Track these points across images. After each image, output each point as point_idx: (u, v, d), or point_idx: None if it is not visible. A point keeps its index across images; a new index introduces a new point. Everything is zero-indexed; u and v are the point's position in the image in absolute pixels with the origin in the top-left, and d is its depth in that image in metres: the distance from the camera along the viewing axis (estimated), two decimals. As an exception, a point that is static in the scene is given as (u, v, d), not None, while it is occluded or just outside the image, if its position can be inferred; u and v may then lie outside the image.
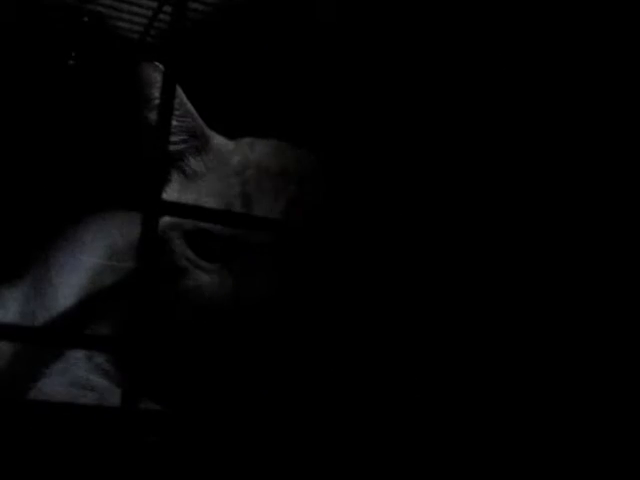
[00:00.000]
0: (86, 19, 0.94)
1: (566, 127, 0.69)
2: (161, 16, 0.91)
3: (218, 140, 0.71)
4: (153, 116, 0.67)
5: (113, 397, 0.61)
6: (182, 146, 0.70)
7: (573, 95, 0.67)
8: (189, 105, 0.68)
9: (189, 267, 0.65)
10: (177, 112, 0.67)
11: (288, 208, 0.66)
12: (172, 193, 0.69)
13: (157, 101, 0.66)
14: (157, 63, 0.67)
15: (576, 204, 0.67)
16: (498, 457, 0.61)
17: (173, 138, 0.69)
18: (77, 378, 0.68)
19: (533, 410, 0.63)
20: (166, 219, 0.65)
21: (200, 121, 0.69)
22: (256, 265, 0.63)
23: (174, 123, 0.68)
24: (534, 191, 0.68)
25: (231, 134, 0.73)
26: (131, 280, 0.53)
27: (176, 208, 0.52)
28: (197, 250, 0.65)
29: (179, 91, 0.67)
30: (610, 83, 0.65)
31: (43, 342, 0.49)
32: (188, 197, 0.68)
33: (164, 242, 0.66)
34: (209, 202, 0.66)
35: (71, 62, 0.97)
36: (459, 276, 0.74)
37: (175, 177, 0.70)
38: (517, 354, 0.67)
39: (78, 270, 0.83)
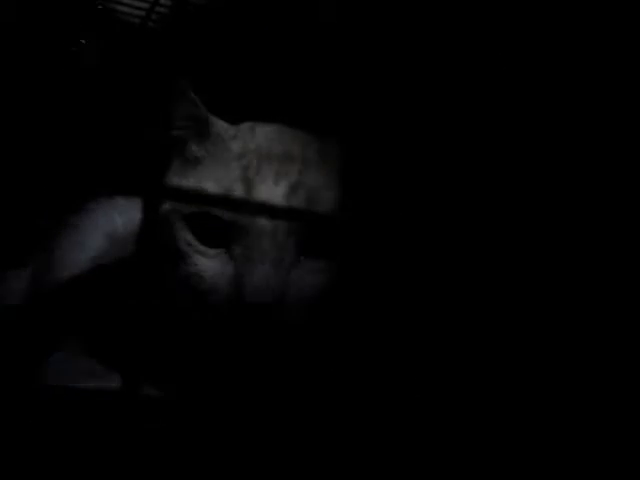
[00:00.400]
0: (100, 6, 0.94)
1: (566, 127, 0.69)
2: (163, 1, 0.91)
3: (219, 125, 0.70)
4: (154, 101, 0.67)
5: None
6: (183, 131, 0.70)
7: (573, 95, 0.67)
8: (190, 90, 0.68)
9: (190, 252, 0.65)
10: (178, 98, 0.67)
11: (290, 193, 0.66)
12: (173, 178, 0.69)
13: (158, 86, 0.67)
14: (159, 49, 0.67)
15: (576, 204, 0.67)
16: (498, 457, 0.62)
17: (174, 123, 0.69)
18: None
19: (533, 410, 0.64)
20: (167, 204, 0.66)
21: (201, 106, 0.69)
22: (257, 250, 0.63)
23: (176, 109, 0.68)
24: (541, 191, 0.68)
25: (232, 119, 0.73)
26: (132, 264, 0.53)
27: (177, 192, 0.53)
28: (198, 235, 0.66)
29: (180, 77, 0.67)
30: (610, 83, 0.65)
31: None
32: (189, 182, 0.68)
33: (165, 227, 0.66)
34: (210, 187, 0.66)
35: (74, 48, 0.97)
36: (464, 274, 0.74)
37: (176, 162, 0.70)
38: (517, 354, 0.67)
39: (79, 256, 0.83)
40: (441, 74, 0.74)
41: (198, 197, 0.49)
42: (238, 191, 0.65)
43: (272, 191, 0.65)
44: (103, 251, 0.82)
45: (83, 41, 0.96)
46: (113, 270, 0.77)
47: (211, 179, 0.67)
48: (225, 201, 0.50)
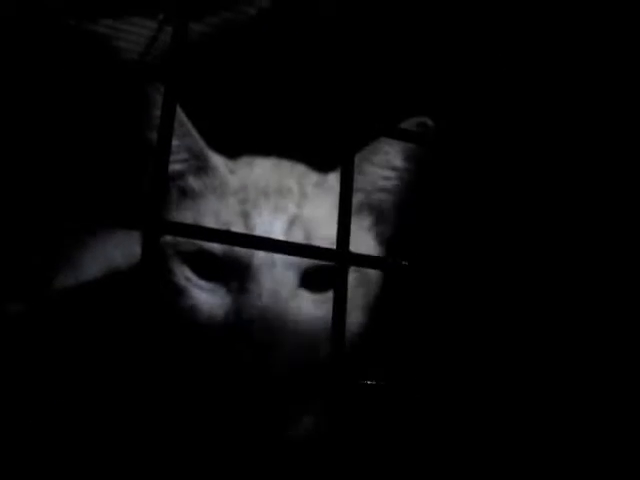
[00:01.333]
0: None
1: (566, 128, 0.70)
2: (162, 36, 0.91)
3: (217, 159, 0.71)
4: (153, 136, 0.67)
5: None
6: (182, 165, 0.70)
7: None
8: (189, 125, 0.69)
9: (187, 285, 0.65)
10: (177, 132, 0.67)
11: (288, 227, 0.66)
12: (171, 212, 0.70)
13: (157, 121, 0.67)
14: (157, 83, 0.67)
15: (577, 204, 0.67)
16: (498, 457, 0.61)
17: (173, 157, 0.68)
18: None
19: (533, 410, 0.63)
20: (165, 238, 0.66)
21: (200, 140, 0.70)
22: (255, 284, 0.63)
23: (174, 142, 0.67)
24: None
25: (231, 153, 0.73)
26: (131, 299, 0.53)
27: (176, 227, 0.52)
28: (196, 270, 0.66)
29: (179, 111, 0.67)
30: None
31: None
32: (187, 216, 0.68)
33: (163, 261, 0.66)
34: (208, 221, 0.66)
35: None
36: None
37: (174, 196, 0.70)
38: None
39: (78, 291, 0.83)
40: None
41: (197, 232, 0.48)
42: (236, 225, 0.65)
43: (270, 225, 0.66)
44: (101, 286, 0.82)
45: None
46: (112, 304, 0.76)
47: (209, 213, 0.67)
48: (223, 235, 0.50)
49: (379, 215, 0.74)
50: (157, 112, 0.67)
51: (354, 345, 0.68)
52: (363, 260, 0.56)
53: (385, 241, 0.76)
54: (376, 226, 0.75)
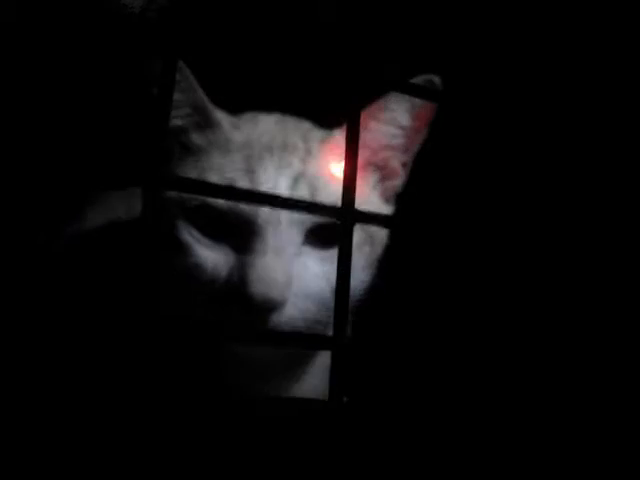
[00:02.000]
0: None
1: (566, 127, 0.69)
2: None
3: (221, 115, 0.70)
4: (155, 90, 0.66)
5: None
6: (184, 121, 0.69)
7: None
8: (192, 79, 0.67)
9: (191, 243, 0.65)
10: (179, 86, 0.66)
11: (293, 184, 0.65)
12: (174, 168, 0.69)
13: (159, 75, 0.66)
14: (159, 38, 0.66)
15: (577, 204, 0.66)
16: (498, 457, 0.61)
17: (175, 112, 0.68)
18: None
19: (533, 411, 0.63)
20: (169, 195, 0.65)
21: (203, 95, 0.68)
22: (260, 241, 0.63)
23: (176, 97, 0.67)
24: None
25: (234, 109, 0.72)
26: (133, 255, 0.53)
27: (178, 182, 0.52)
28: (200, 227, 0.65)
29: (182, 65, 0.66)
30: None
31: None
32: (190, 173, 0.67)
33: (166, 217, 0.65)
34: (212, 178, 0.65)
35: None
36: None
37: (178, 152, 0.70)
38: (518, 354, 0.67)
39: (81, 248, 0.82)
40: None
41: (201, 188, 0.48)
42: (241, 182, 0.64)
43: (275, 182, 0.65)
44: (104, 243, 0.82)
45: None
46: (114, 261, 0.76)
47: (213, 169, 0.66)
48: (228, 192, 0.49)
49: (384, 173, 0.74)
50: (158, 66, 0.66)
51: (358, 303, 0.68)
52: (368, 218, 0.55)
53: (390, 199, 0.75)
54: (381, 184, 0.74)
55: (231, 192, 0.53)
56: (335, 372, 0.44)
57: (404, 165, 0.74)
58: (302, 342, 0.62)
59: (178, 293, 0.66)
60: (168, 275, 0.65)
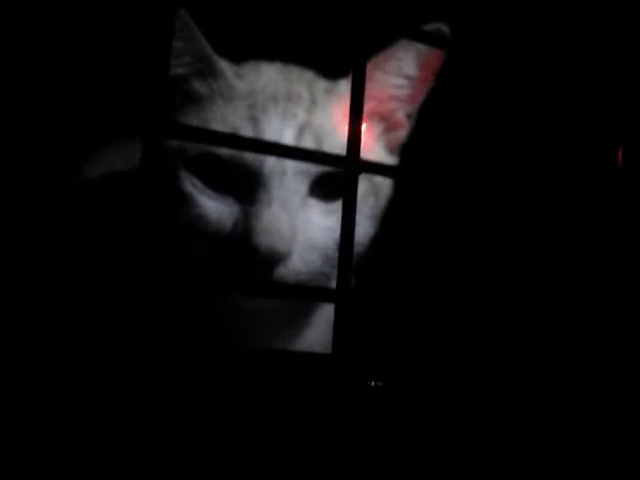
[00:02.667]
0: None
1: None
2: None
3: (223, 63, 0.68)
4: (156, 38, 0.65)
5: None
6: (186, 69, 0.67)
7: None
8: (194, 27, 0.66)
9: (195, 194, 0.64)
10: (181, 34, 0.65)
11: (298, 134, 0.64)
12: (176, 117, 0.68)
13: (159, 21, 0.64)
14: None
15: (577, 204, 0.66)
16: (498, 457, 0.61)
17: (177, 61, 0.66)
18: None
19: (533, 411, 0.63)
20: (170, 144, 0.64)
21: (205, 44, 0.67)
22: (265, 192, 0.62)
23: (178, 45, 0.65)
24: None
25: (236, 58, 0.71)
26: (131, 205, 0.52)
27: (181, 130, 0.51)
28: (203, 177, 0.64)
29: (183, 13, 0.64)
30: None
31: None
32: (193, 122, 0.66)
33: (168, 168, 0.65)
34: (215, 127, 0.64)
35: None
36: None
37: (179, 101, 0.68)
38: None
39: (80, 194, 0.81)
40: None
41: (204, 136, 0.47)
42: (245, 131, 0.63)
43: (280, 131, 0.64)
44: (102, 192, 0.81)
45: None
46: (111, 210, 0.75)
47: (217, 118, 0.65)
48: (233, 140, 0.48)
49: (389, 124, 0.73)
50: (159, 14, 0.65)
51: (361, 256, 0.68)
52: (373, 168, 0.54)
53: (395, 151, 0.74)
54: (386, 135, 0.73)
55: (236, 140, 0.52)
56: (338, 325, 0.44)
57: (409, 116, 0.73)
58: (306, 294, 0.61)
59: (181, 246, 0.65)
60: (170, 228, 0.64)
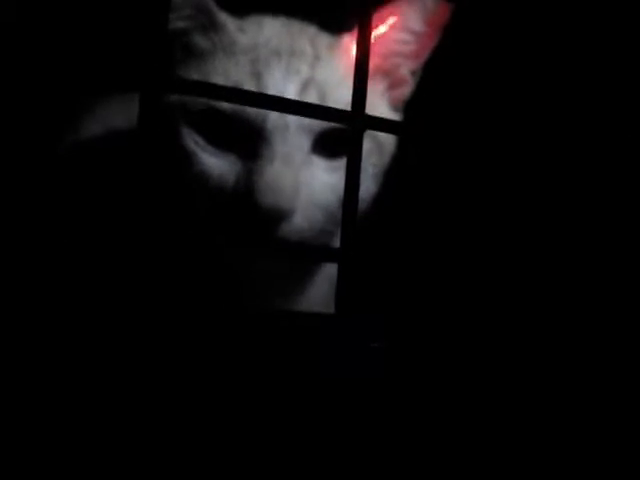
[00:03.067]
0: None
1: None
2: None
3: (225, 17, 0.67)
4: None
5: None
6: (187, 23, 0.66)
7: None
8: None
9: (197, 150, 0.63)
10: None
11: (301, 89, 0.63)
12: (177, 72, 0.66)
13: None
14: None
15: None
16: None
17: (177, 14, 0.65)
18: None
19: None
20: (171, 100, 0.63)
21: None
22: (267, 148, 0.61)
23: None
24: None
25: (237, 11, 0.69)
26: (130, 161, 0.51)
27: (182, 85, 0.50)
28: (205, 133, 0.63)
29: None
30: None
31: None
32: (194, 76, 0.65)
33: (169, 124, 0.64)
34: (218, 81, 0.63)
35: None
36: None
37: (180, 55, 0.67)
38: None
39: (78, 152, 0.81)
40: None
41: (206, 90, 0.46)
42: (248, 86, 0.62)
43: (283, 87, 0.63)
44: (100, 148, 0.80)
45: None
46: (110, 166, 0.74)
47: (218, 73, 0.64)
48: (235, 94, 0.47)
49: (394, 80, 0.71)
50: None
51: (365, 213, 0.67)
52: (378, 123, 0.53)
53: (399, 108, 0.73)
54: (390, 91, 0.72)
55: (238, 94, 0.51)
56: (341, 284, 0.44)
57: (414, 73, 0.72)
58: (309, 253, 0.61)
59: (183, 204, 0.64)
60: (172, 186, 0.64)
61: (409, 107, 0.73)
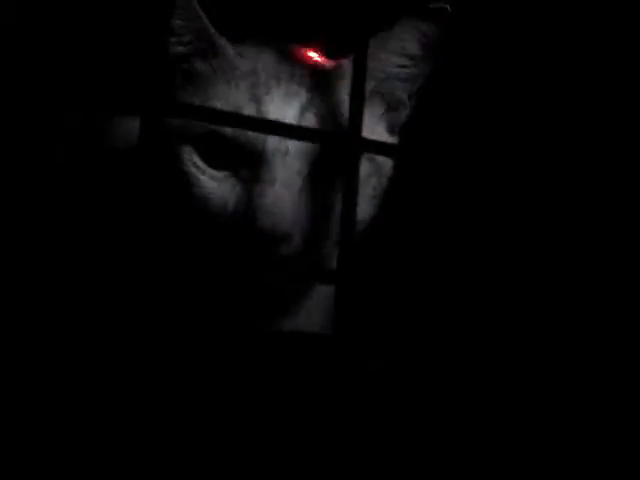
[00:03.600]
0: None
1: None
2: None
3: (225, 43, 0.67)
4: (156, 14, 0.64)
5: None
6: (187, 48, 0.67)
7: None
8: (196, 5, 0.65)
9: (196, 174, 0.64)
10: (183, 12, 0.64)
11: (300, 114, 0.64)
12: (178, 97, 0.67)
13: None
14: None
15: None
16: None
17: (178, 39, 0.66)
18: None
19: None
20: (172, 123, 0.64)
21: (207, 22, 0.66)
22: (268, 172, 0.62)
23: (179, 23, 0.65)
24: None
25: (236, 37, 0.70)
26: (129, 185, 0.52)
27: (184, 109, 0.50)
28: (205, 156, 0.64)
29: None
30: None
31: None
32: (194, 100, 0.66)
33: (169, 147, 0.64)
34: (218, 105, 0.64)
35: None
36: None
37: (180, 80, 0.68)
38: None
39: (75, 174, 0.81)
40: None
41: (206, 114, 0.46)
42: (248, 110, 0.63)
43: (283, 111, 0.63)
44: (99, 170, 0.80)
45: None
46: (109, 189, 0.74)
47: (219, 97, 0.65)
48: (234, 119, 0.47)
49: (391, 104, 0.72)
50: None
51: (363, 235, 0.68)
52: (375, 147, 0.54)
53: (395, 131, 0.73)
54: (387, 115, 0.72)
55: (238, 119, 0.51)
56: (339, 306, 0.44)
57: (410, 96, 0.72)
58: (307, 275, 0.61)
59: (183, 228, 0.65)
60: (171, 208, 0.64)
61: (405, 130, 0.74)
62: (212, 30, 0.67)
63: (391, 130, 0.73)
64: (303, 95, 0.65)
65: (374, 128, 0.70)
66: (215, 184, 0.63)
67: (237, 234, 0.61)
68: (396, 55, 0.69)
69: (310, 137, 0.50)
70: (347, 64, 0.67)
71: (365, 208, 0.67)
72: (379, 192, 0.69)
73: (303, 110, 0.64)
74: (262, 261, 0.61)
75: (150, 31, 0.65)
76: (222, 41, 0.67)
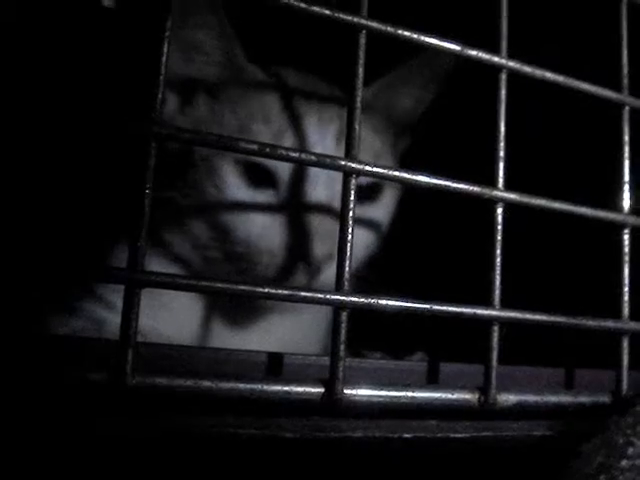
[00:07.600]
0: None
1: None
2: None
3: (253, 68, 0.69)
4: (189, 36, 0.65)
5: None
6: (215, 68, 0.68)
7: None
8: (229, 29, 0.65)
9: (239, 198, 0.65)
10: (214, 31, 0.65)
11: (338, 139, 0.66)
12: (198, 115, 0.69)
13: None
14: None
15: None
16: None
17: (207, 58, 0.67)
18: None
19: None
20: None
21: (237, 44, 0.67)
22: (310, 196, 0.63)
23: (210, 41, 0.66)
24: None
25: (266, 64, 0.72)
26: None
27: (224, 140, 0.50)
28: (247, 181, 0.65)
29: (220, 12, 0.64)
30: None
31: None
32: (230, 123, 0.67)
33: (214, 170, 0.65)
34: (255, 129, 0.65)
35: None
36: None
37: (204, 100, 0.69)
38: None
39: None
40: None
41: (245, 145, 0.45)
42: (286, 135, 0.65)
43: (320, 137, 0.65)
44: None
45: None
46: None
47: (255, 120, 0.66)
48: (231, 142, 0.46)
49: (400, 132, 0.76)
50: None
51: (371, 260, 0.70)
52: (371, 171, 0.54)
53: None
54: (396, 141, 0.76)
55: (234, 143, 0.52)
56: (337, 330, 0.43)
57: (413, 125, 0.76)
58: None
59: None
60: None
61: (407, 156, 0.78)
62: (241, 52, 0.67)
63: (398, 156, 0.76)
64: (337, 120, 0.66)
65: (386, 156, 0.73)
66: (257, 208, 0.65)
67: (281, 258, 0.63)
68: (412, 87, 0.73)
69: (307, 161, 0.49)
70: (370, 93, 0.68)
71: (373, 233, 0.70)
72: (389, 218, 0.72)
73: (339, 135, 0.65)
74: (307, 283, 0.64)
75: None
76: (250, 66, 0.68)
